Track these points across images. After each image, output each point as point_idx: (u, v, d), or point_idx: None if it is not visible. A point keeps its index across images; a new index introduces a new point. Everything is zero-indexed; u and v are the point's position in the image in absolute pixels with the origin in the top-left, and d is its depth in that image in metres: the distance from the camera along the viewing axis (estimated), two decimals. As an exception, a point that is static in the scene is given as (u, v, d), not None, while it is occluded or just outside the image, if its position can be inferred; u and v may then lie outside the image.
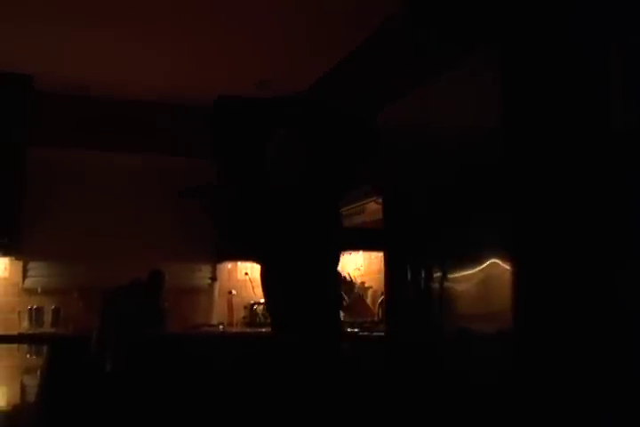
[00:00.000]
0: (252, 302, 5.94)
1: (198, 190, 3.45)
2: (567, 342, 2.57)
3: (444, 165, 3.02)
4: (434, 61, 3.43)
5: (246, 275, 6.02)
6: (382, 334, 3.61)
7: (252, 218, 3.20)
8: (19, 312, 5.44)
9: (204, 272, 6.06)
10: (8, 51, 4.76)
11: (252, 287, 5.96)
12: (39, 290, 5.60)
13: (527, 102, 2.67)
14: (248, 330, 5.63)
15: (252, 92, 5.69)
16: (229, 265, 6.02)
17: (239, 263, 6.05)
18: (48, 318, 5.45)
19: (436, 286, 3.02)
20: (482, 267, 2.69)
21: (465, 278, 2.81)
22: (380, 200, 3.86)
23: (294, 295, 3.15)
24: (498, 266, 2.60)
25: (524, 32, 2.73)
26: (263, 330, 5.59)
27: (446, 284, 2.94)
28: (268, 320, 5.76)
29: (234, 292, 5.89)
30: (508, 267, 2.56)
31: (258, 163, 3.56)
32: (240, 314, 5.92)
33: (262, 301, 5.93)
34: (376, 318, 4.57)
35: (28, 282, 5.65)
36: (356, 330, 4.11)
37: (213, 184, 3.38)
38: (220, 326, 5.70)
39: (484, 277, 2.68)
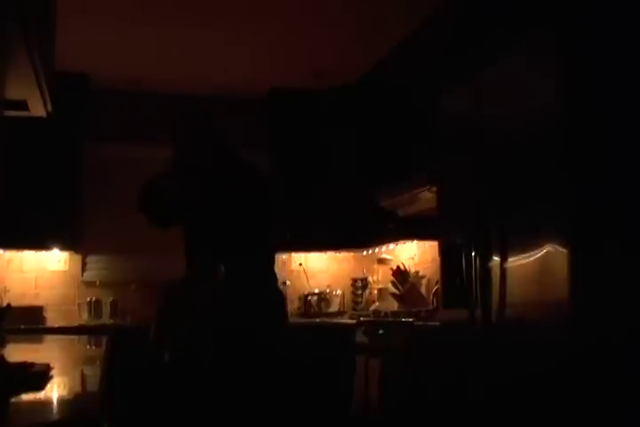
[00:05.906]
0: (307, 292, 5.95)
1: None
2: (625, 332, 2.52)
3: (499, 153, 2.99)
4: (489, 48, 3.38)
5: (300, 265, 6.03)
6: (437, 323, 3.58)
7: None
8: (78, 304, 5.56)
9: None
10: (64, 50, 4.85)
11: (307, 278, 5.98)
12: (97, 283, 5.71)
13: (586, 87, 2.62)
14: (302, 320, 5.65)
15: (308, 83, 5.70)
16: (283, 256, 5.99)
17: (293, 254, 6.06)
18: (106, 309, 5.55)
19: (491, 273, 2.99)
20: (539, 255, 2.65)
21: (521, 266, 2.77)
22: (434, 189, 3.84)
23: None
24: (554, 253, 2.56)
25: (581, 14, 2.68)
26: (317, 320, 5.61)
27: (502, 271, 2.91)
28: (322, 311, 5.82)
29: (288, 283, 5.85)
30: (565, 254, 2.52)
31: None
32: (294, 305, 5.91)
33: (316, 291, 5.96)
34: (431, 308, 4.54)
35: (87, 275, 5.76)
36: (410, 320, 4.08)
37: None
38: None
39: (541, 264, 2.64)
